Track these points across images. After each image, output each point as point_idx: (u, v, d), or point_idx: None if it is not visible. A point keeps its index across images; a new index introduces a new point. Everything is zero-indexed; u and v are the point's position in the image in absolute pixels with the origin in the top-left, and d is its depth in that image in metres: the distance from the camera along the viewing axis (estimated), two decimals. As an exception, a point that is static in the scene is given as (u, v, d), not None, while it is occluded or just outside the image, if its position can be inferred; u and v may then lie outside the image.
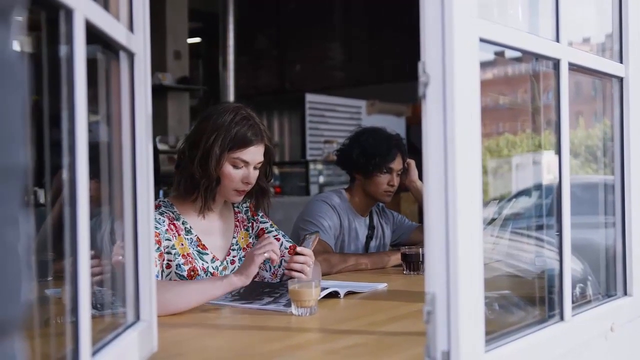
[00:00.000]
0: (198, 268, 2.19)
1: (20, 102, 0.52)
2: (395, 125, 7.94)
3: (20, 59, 0.52)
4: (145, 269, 1.39)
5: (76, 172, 1.00)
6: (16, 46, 0.53)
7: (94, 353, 1.09)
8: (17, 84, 0.51)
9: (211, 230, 2.29)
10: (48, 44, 1.02)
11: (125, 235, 1.37)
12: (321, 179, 7.67)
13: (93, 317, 1.06)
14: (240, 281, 1.97)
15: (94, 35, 1.12)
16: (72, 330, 1.01)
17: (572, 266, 1.61)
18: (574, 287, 1.74)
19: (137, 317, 1.37)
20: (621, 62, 1.83)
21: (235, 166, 2.19)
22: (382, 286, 2.37)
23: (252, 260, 1.99)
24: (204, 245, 2.24)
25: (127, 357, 1.27)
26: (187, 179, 2.21)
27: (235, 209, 2.40)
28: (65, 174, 1.01)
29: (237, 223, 2.38)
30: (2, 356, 0.53)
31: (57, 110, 1.01)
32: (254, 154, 2.21)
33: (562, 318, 1.53)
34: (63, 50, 1.01)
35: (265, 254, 1.99)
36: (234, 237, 2.34)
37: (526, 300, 1.72)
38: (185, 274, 2.16)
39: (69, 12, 1.00)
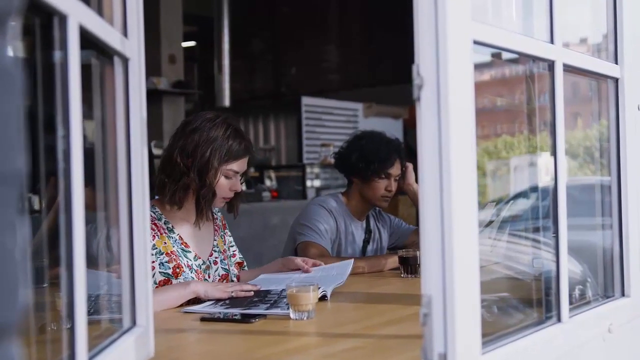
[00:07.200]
0: (183, 265, 2.27)
1: (17, 109, 0.52)
2: (392, 127, 7.96)
3: (17, 66, 0.53)
4: (141, 274, 1.38)
5: (71, 178, 1.00)
6: (12, 52, 0.53)
7: (90, 358, 1.09)
8: (14, 90, 0.51)
9: (194, 233, 2.37)
10: (42, 49, 1.02)
11: (121, 241, 1.37)
12: (318, 183, 7.66)
13: (89, 322, 1.06)
14: (198, 287, 2.13)
15: (88, 40, 1.12)
16: (68, 336, 1.00)
17: (571, 268, 1.61)
18: (573, 289, 1.74)
19: (134, 323, 1.37)
20: (616, 62, 1.83)
21: (227, 177, 2.31)
22: (349, 262, 2.46)
23: (219, 290, 2.13)
24: (186, 243, 2.33)
25: (124, 363, 1.26)
26: (181, 189, 2.28)
27: (214, 215, 2.49)
28: (60, 180, 1.01)
29: (217, 228, 2.49)
30: None
31: (51, 116, 1.01)
32: (244, 164, 2.36)
33: (559, 319, 1.52)
34: (57, 55, 1.01)
35: (232, 294, 2.14)
36: (214, 240, 2.45)
37: (524, 301, 1.72)
38: (170, 271, 2.23)
39: (62, 18, 1.00)
